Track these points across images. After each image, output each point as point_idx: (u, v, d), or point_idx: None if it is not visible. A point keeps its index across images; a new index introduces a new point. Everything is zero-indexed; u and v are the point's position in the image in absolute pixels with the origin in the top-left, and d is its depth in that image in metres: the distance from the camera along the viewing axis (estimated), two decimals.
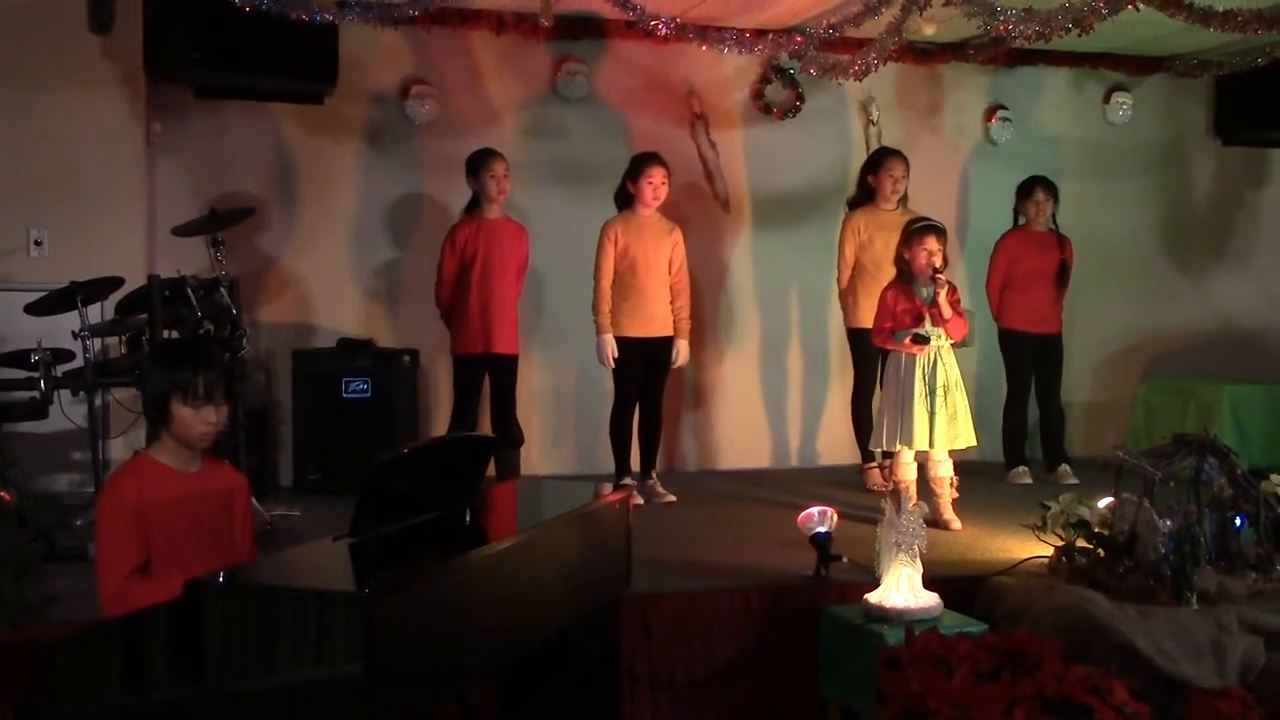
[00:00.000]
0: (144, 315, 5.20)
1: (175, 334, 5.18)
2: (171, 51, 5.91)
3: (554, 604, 3.29)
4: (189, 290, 5.16)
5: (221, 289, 5.28)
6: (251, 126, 6.52)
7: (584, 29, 6.77)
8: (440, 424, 6.49)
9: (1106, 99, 7.79)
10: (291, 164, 6.61)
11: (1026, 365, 6.78)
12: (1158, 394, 7.34)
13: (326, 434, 6.17)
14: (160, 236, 6.06)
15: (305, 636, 2.48)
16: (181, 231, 5.59)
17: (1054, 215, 6.72)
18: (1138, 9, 4.73)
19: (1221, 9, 4.75)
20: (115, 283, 5.39)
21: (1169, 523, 4.17)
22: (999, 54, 7.10)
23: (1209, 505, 4.42)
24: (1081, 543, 4.41)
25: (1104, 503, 4.51)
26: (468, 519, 3.32)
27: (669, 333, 5.95)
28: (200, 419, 3.34)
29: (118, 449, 5.75)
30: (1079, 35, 5.02)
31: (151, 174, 6.28)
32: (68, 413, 5.49)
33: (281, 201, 6.59)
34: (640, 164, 5.89)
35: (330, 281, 6.66)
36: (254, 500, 4.23)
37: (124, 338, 5.52)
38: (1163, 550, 4.13)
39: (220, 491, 3.47)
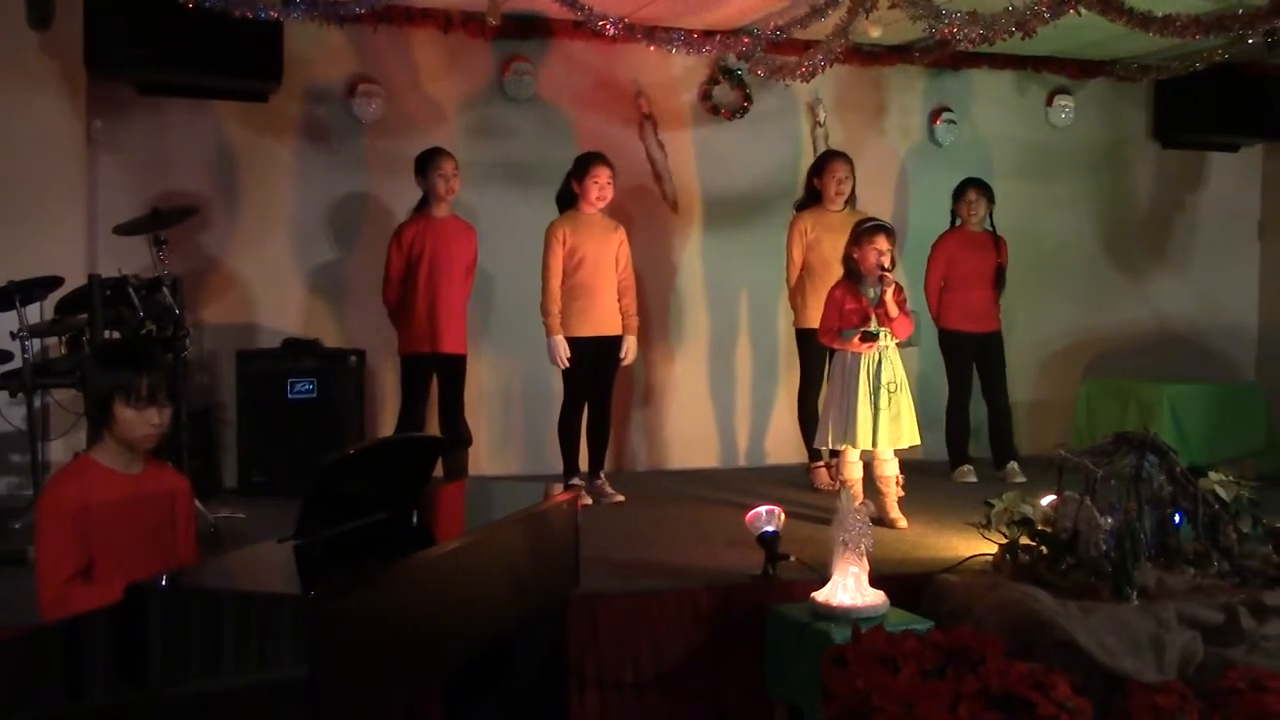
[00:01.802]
0: (84, 315, 5.12)
1: (116, 334, 5.11)
2: (113, 48, 5.85)
3: (501, 605, 3.28)
4: (130, 290, 5.08)
5: (164, 288, 5.21)
6: (194, 124, 6.44)
7: (531, 29, 6.75)
8: (387, 424, 6.44)
9: (1049, 102, 7.88)
10: (235, 162, 6.53)
11: (967, 364, 6.86)
12: (1099, 393, 7.43)
13: (271, 435, 6.10)
14: (101, 235, 5.97)
15: (249, 640, 2.46)
16: (123, 230, 5.51)
17: (990, 215, 6.80)
18: (1079, 13, 4.79)
19: (1160, 14, 4.83)
20: (55, 282, 5.31)
21: (1110, 520, 4.23)
22: (943, 57, 7.17)
23: (1149, 503, 4.50)
24: (1025, 540, 4.47)
25: (1047, 500, 4.57)
26: (415, 520, 3.31)
27: (618, 331, 5.95)
28: (144, 421, 3.30)
29: (58, 451, 5.66)
30: (1022, 39, 5.08)
31: (92, 172, 6.19)
32: (6, 415, 5.40)
33: (225, 200, 6.52)
34: (585, 163, 5.89)
35: (275, 281, 6.60)
36: (197, 502, 4.19)
37: (64, 338, 5.43)
38: (1104, 547, 4.20)
39: (163, 494, 3.43)
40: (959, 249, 6.81)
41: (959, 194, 6.83)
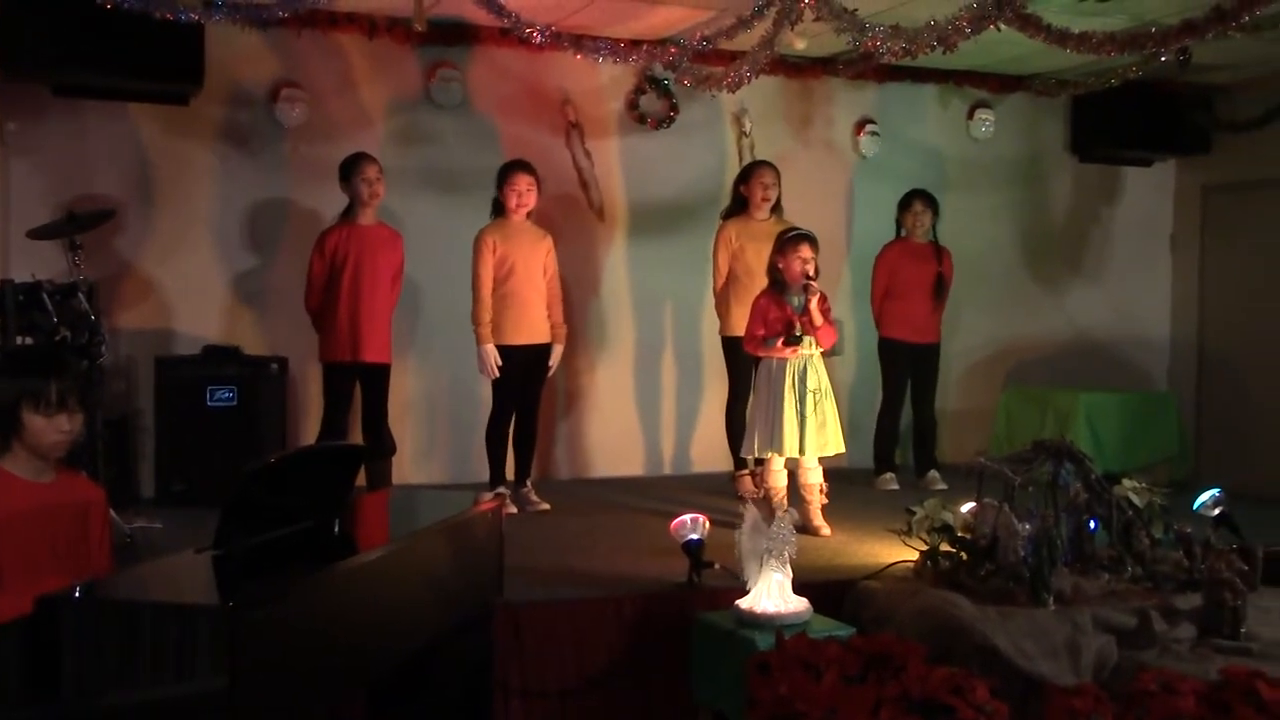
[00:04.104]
0: None
1: (30, 341, 5.00)
2: (27, 48, 5.75)
3: (425, 614, 3.26)
4: (45, 295, 4.99)
5: (80, 294, 5.11)
6: (112, 127, 6.32)
7: (458, 35, 6.73)
8: (310, 433, 6.37)
9: (970, 115, 8.01)
10: (154, 166, 6.42)
11: (903, 374, 6.93)
12: (1018, 402, 7.57)
13: (190, 444, 6.00)
14: (14, 239, 5.84)
15: (167, 652, 2.42)
16: (37, 234, 5.40)
17: (934, 227, 6.89)
18: (999, 29, 4.88)
19: (1077, 31, 4.93)
20: None
21: (1028, 526, 4.30)
22: (868, 70, 7.26)
23: (1065, 509, 4.58)
24: (945, 547, 4.53)
25: (966, 508, 4.64)
26: (337, 530, 3.27)
27: (547, 340, 5.95)
28: (53, 427, 3.24)
29: None
30: (944, 53, 5.16)
31: (5, 175, 6.06)
32: None
33: (144, 205, 6.40)
34: (505, 172, 5.90)
35: (195, 287, 6.49)
36: (113, 512, 4.11)
37: None
38: (1022, 553, 4.26)
39: (76, 504, 3.36)
40: (900, 259, 6.89)
41: (905, 205, 6.91)
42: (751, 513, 4.15)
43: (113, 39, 5.66)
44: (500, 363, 5.81)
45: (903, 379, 6.95)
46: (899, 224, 6.96)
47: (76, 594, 2.54)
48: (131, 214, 6.35)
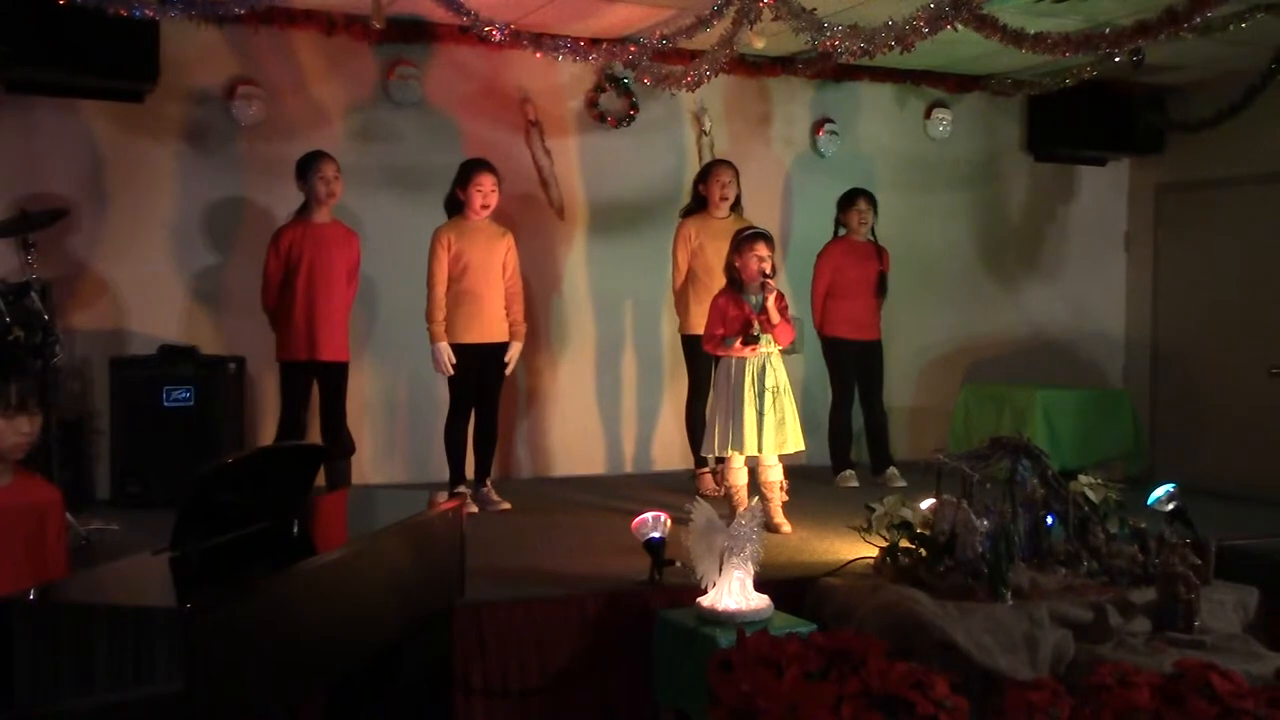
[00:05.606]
0: None
1: None
2: None
3: (385, 615, 3.25)
4: None
5: (33, 294, 5.04)
6: (65, 124, 6.24)
7: (416, 33, 6.69)
8: (268, 433, 6.32)
9: (927, 115, 8.06)
10: (108, 164, 6.35)
11: (850, 371, 6.97)
12: (976, 399, 7.62)
13: (147, 444, 5.95)
14: None
15: (123, 655, 2.39)
16: None
17: (873, 226, 6.94)
18: (956, 29, 4.92)
19: (1033, 32, 4.98)
20: None
21: (986, 522, 4.34)
22: (826, 69, 7.29)
23: (1023, 505, 4.63)
24: (904, 543, 4.56)
25: (926, 504, 4.67)
26: (295, 530, 3.25)
27: (505, 338, 5.94)
28: (13, 429, 3.21)
29: None
30: (901, 53, 5.19)
31: None
32: None
33: (98, 203, 6.33)
34: (469, 171, 5.87)
35: (150, 286, 6.42)
36: (68, 514, 4.06)
37: None
38: (980, 549, 4.31)
39: (32, 506, 3.33)
40: (843, 258, 6.92)
41: (848, 203, 6.94)
42: (702, 510, 4.16)
43: (66, 35, 5.59)
44: (454, 360, 5.80)
45: (850, 377, 6.99)
46: (840, 223, 7.00)
47: (31, 596, 2.51)
48: (85, 212, 6.27)
